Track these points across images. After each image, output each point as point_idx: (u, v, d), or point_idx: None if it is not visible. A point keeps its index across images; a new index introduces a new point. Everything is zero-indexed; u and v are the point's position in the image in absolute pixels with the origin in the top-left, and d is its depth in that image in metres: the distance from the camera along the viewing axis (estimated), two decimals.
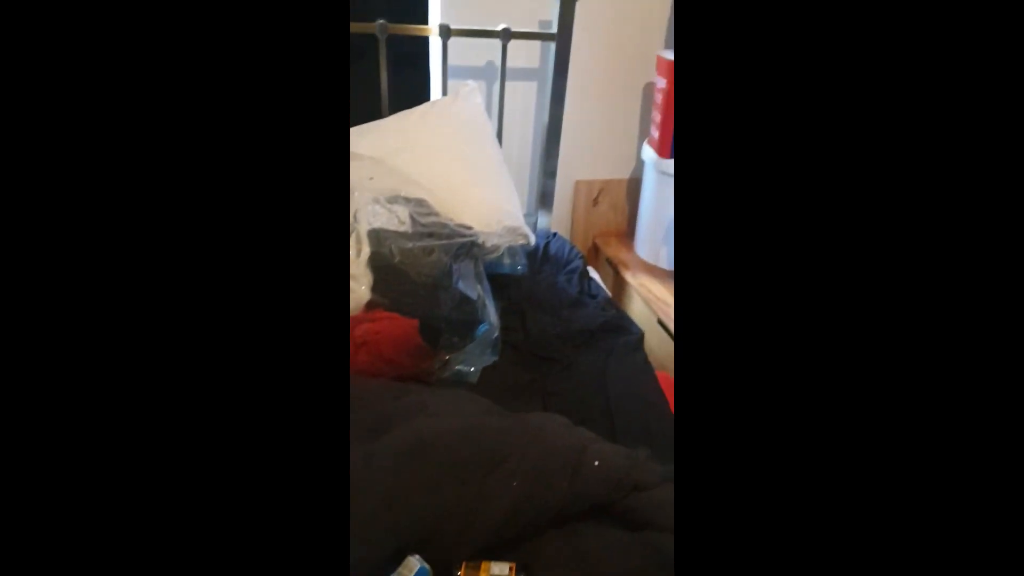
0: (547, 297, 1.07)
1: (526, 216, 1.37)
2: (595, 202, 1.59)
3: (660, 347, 1.23)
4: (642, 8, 1.36)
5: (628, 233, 1.60)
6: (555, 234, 1.38)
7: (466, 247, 0.89)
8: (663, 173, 1.31)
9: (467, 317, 0.85)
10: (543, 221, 1.45)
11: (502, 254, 1.01)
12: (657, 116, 1.30)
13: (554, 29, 1.23)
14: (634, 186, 1.57)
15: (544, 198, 1.42)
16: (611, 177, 1.56)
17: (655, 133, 1.32)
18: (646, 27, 1.38)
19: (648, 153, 1.35)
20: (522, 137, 1.45)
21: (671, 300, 1.27)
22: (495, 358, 0.89)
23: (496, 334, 0.90)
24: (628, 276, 1.40)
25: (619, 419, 0.82)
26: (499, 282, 1.05)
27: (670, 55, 1.25)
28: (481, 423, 0.68)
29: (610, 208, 1.60)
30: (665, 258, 1.40)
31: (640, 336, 1.02)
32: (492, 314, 0.90)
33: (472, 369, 0.85)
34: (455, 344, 0.86)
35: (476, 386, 0.85)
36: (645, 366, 0.94)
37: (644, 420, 0.83)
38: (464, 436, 0.65)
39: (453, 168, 1.05)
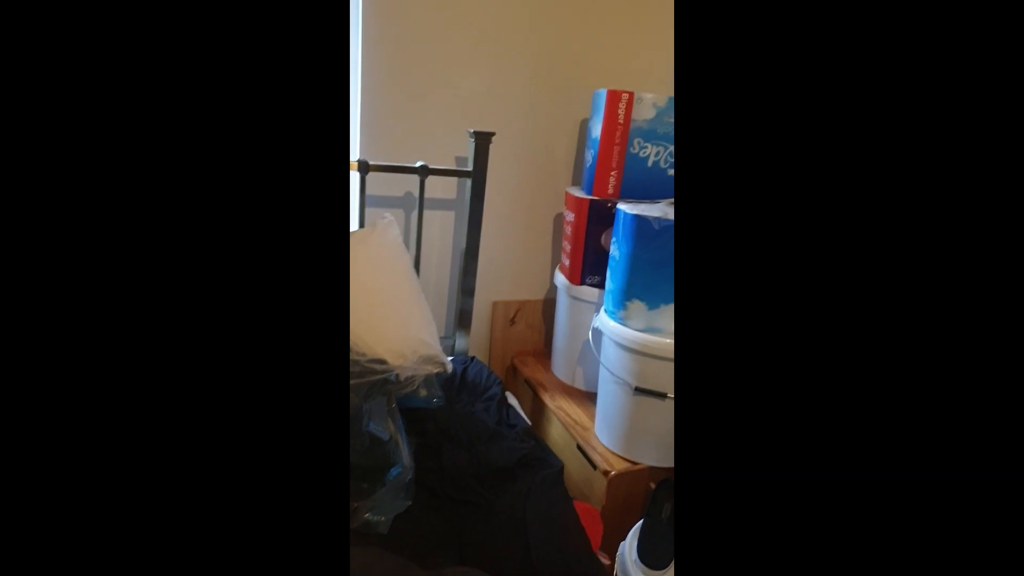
0: (464, 430, 1.04)
1: (444, 338, 1.36)
2: (512, 321, 1.62)
3: (579, 473, 1.21)
4: (551, 148, 1.49)
5: (545, 352, 1.63)
6: (473, 358, 1.38)
7: (378, 385, 0.86)
8: (575, 298, 1.37)
9: (377, 462, 0.81)
10: (461, 343, 1.46)
11: (417, 387, 0.98)
12: (567, 246, 1.38)
13: (470, 166, 1.31)
14: (549, 306, 1.63)
15: (462, 319, 1.44)
16: (527, 298, 1.62)
17: (566, 261, 1.40)
18: (554, 166, 1.51)
19: (560, 279, 1.42)
20: (440, 262, 1.49)
21: (589, 424, 1.28)
22: (408, 503, 0.84)
23: (410, 476, 0.85)
24: (546, 398, 1.40)
25: (540, 565, 0.78)
26: (414, 415, 1.02)
27: (576, 192, 1.35)
28: None
29: (527, 327, 1.64)
30: (581, 379, 1.43)
31: (559, 469, 1.00)
32: (405, 455, 0.86)
33: (383, 519, 0.80)
34: (364, 491, 0.81)
35: (388, 537, 0.79)
36: (565, 502, 0.92)
37: (565, 562, 0.80)
38: None
39: (368, 300, 1.04)
